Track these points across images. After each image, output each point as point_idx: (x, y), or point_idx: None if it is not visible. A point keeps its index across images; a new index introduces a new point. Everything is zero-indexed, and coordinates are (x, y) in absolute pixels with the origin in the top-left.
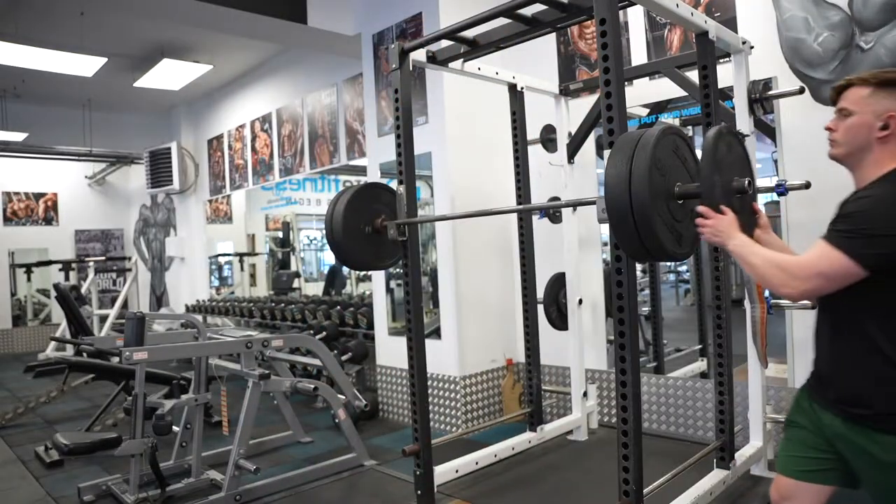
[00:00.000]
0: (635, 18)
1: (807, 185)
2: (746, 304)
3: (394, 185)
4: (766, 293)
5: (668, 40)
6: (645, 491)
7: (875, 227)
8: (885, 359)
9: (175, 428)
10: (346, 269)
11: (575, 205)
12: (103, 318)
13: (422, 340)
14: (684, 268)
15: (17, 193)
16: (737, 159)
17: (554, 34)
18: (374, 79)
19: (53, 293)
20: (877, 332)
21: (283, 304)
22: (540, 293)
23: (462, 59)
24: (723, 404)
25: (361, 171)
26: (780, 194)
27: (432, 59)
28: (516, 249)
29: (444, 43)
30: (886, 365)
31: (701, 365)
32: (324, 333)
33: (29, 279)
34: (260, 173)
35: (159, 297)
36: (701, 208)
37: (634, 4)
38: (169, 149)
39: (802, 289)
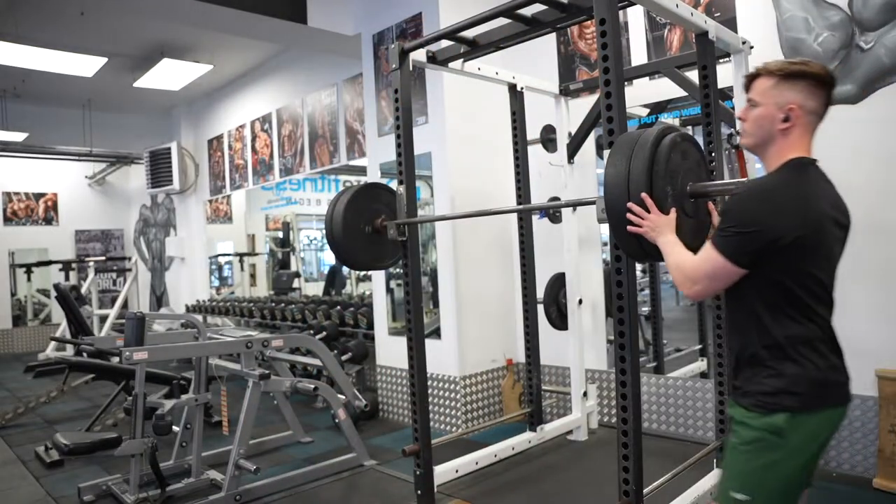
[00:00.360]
0: (635, 18)
1: None
2: None
3: (394, 185)
4: None
5: (668, 40)
6: (645, 491)
7: (742, 224)
8: (752, 343)
9: (175, 428)
10: (346, 269)
11: (575, 205)
12: (103, 318)
13: (422, 340)
14: None
15: (17, 193)
16: (693, 165)
17: (554, 34)
18: (374, 79)
19: (53, 293)
20: (749, 319)
21: (283, 304)
22: (540, 293)
23: (462, 59)
24: (723, 404)
25: (361, 171)
26: None
27: (432, 59)
28: (516, 249)
29: (444, 43)
30: (754, 349)
31: (701, 365)
32: (324, 333)
33: (29, 279)
34: (260, 173)
35: (159, 297)
36: (647, 202)
37: (634, 4)
38: (169, 149)
39: (694, 290)
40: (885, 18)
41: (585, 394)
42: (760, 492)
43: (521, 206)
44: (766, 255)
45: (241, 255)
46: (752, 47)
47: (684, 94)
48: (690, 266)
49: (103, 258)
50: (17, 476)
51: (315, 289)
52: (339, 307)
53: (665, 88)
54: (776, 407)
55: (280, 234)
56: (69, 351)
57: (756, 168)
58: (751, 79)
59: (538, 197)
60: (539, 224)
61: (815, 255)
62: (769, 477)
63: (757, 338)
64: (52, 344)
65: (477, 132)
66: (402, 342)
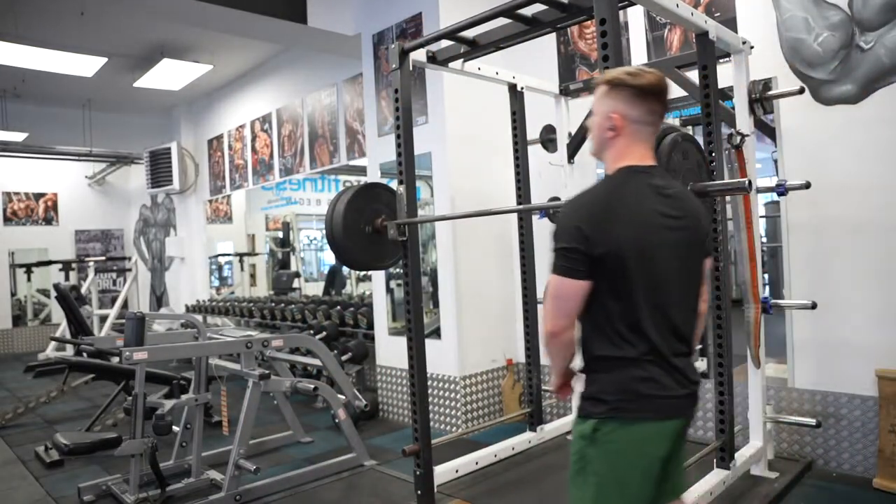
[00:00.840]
0: (635, 18)
1: (807, 185)
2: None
3: (394, 185)
4: (766, 294)
5: (668, 40)
6: None
7: (561, 240)
8: (585, 354)
9: (175, 428)
10: (346, 269)
11: None
12: (103, 318)
13: (422, 340)
14: None
15: (17, 193)
16: (694, 165)
17: (554, 34)
18: (374, 79)
19: (53, 293)
20: (583, 333)
21: (283, 304)
22: (540, 293)
23: (462, 59)
24: (723, 404)
25: (361, 171)
26: (780, 194)
27: (432, 59)
28: (516, 249)
29: (445, 43)
30: (585, 360)
31: (701, 365)
32: (324, 333)
33: (29, 279)
34: (260, 173)
35: (159, 297)
36: None
37: (634, 4)
38: (169, 149)
39: (547, 319)
40: (885, 18)
41: None
42: (597, 500)
43: (521, 206)
44: (593, 267)
45: (241, 255)
46: (752, 47)
47: (684, 94)
48: (546, 297)
49: (103, 258)
50: (17, 476)
51: (315, 289)
52: (339, 307)
53: None
54: (587, 413)
55: (280, 234)
56: (69, 351)
57: (756, 168)
58: (594, 88)
59: (538, 197)
60: (539, 224)
61: (637, 268)
62: (599, 485)
63: (586, 350)
64: (52, 344)
65: (477, 132)
66: (402, 342)
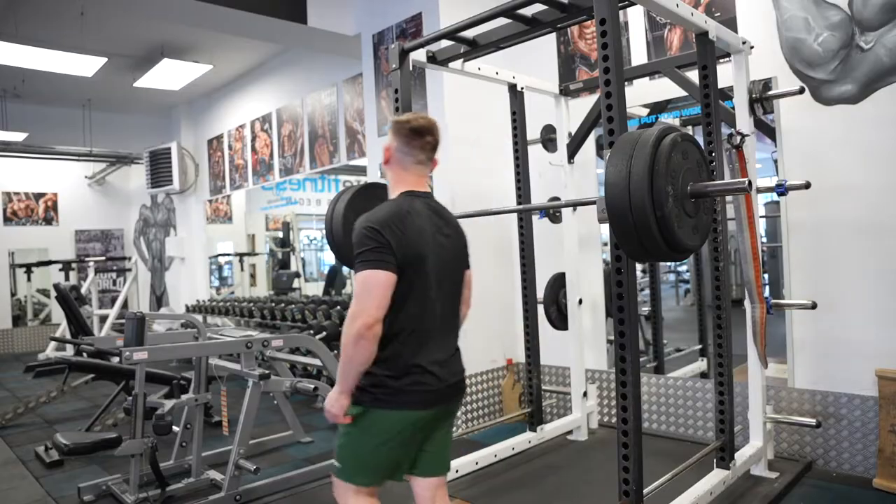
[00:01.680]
0: (635, 18)
1: (807, 185)
2: (746, 303)
3: None
4: (766, 293)
5: (668, 40)
6: (645, 491)
7: (368, 242)
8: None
9: (175, 428)
10: (346, 269)
11: (575, 205)
12: (103, 318)
13: None
14: (684, 268)
15: (17, 193)
16: (693, 165)
17: (554, 34)
18: (374, 79)
19: (53, 293)
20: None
21: (283, 304)
22: (540, 293)
23: (462, 59)
24: (723, 404)
25: (361, 171)
26: (780, 194)
27: (432, 59)
28: (516, 249)
29: (444, 43)
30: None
31: (701, 365)
32: (324, 333)
33: (29, 279)
34: (260, 173)
35: (159, 297)
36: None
37: (634, 4)
38: (169, 149)
39: (361, 315)
40: (885, 18)
41: (585, 394)
42: (345, 462)
43: (521, 206)
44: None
45: (241, 255)
46: (752, 47)
47: (684, 94)
48: (350, 309)
49: (103, 258)
50: (17, 476)
51: (315, 289)
52: (339, 307)
53: (665, 88)
54: (356, 400)
55: (280, 234)
56: (69, 351)
57: (757, 167)
58: None
59: (538, 197)
60: (539, 224)
61: (424, 270)
62: (350, 452)
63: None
64: (52, 344)
65: (477, 132)
66: None
